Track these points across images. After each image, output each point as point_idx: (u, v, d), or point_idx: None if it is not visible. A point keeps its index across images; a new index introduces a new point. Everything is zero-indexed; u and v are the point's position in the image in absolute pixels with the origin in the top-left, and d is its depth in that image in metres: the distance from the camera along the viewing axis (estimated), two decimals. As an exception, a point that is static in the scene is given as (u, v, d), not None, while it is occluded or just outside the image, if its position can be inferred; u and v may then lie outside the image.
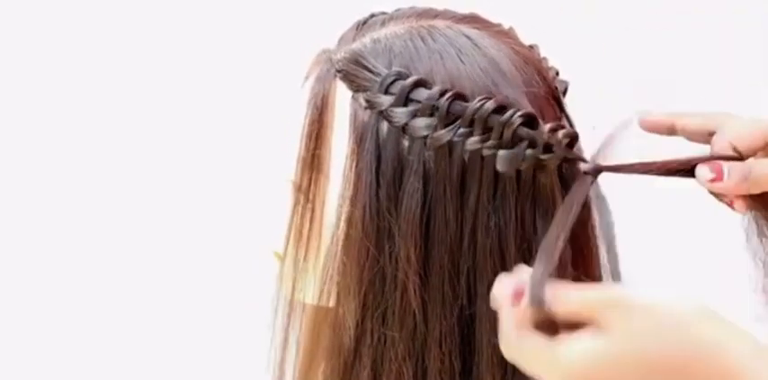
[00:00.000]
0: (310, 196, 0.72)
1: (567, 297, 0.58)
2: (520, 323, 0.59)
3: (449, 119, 0.68)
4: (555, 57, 0.78)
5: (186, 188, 1.45)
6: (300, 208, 0.73)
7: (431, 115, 0.68)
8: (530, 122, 0.68)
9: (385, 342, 0.71)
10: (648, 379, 0.56)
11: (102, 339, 1.48)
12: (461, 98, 0.68)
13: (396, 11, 0.76)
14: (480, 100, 0.68)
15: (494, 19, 0.78)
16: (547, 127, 0.68)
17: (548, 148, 0.68)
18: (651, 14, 1.44)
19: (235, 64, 1.40)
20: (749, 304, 0.76)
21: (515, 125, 0.67)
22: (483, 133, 0.68)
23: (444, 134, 0.68)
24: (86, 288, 1.48)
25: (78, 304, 1.48)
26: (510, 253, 0.69)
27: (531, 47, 0.76)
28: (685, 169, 0.71)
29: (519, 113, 0.67)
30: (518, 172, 0.68)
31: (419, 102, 0.68)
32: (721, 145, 0.72)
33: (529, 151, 0.68)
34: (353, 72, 0.71)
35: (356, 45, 0.72)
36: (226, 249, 1.40)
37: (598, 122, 0.73)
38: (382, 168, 0.69)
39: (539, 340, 0.58)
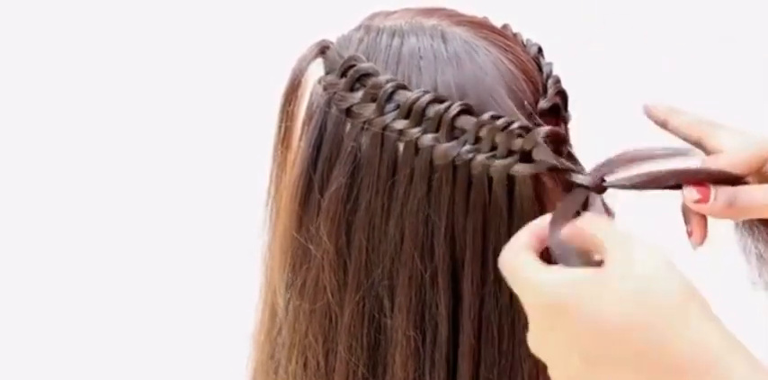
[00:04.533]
0: (282, 169, 0.75)
1: (583, 221, 0.62)
2: (522, 243, 0.62)
3: (389, 107, 0.68)
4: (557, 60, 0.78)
5: (184, 187, 1.45)
6: (274, 183, 0.75)
7: (372, 101, 0.69)
8: (468, 112, 0.67)
9: (299, 316, 0.72)
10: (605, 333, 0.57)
11: (100, 339, 1.48)
12: (404, 88, 0.68)
13: (405, 8, 0.76)
14: (420, 90, 0.68)
15: (498, 19, 0.78)
16: (486, 116, 0.67)
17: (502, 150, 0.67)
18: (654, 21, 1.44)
19: (236, 64, 1.40)
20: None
21: (451, 115, 0.67)
22: (418, 123, 0.68)
23: (379, 121, 0.68)
24: (83, 288, 1.48)
25: (75, 304, 1.48)
26: (438, 250, 0.69)
27: (537, 61, 0.75)
28: (676, 183, 0.70)
29: (457, 104, 0.67)
30: (455, 168, 0.68)
31: (365, 88, 0.69)
32: (716, 162, 0.70)
33: (467, 147, 0.67)
34: (329, 55, 0.73)
35: (346, 33, 0.74)
36: (224, 249, 1.40)
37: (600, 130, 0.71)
38: (323, 147, 0.70)
39: (534, 261, 0.61)
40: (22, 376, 1.48)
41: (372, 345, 0.71)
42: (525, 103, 0.70)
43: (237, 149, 1.39)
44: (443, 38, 0.71)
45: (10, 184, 1.48)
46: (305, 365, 0.73)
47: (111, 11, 1.43)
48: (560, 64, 0.76)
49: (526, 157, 0.67)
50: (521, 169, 0.67)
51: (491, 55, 0.70)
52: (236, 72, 1.41)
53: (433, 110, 0.67)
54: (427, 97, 0.67)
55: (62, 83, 1.45)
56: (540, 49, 0.75)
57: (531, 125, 0.68)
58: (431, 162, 0.68)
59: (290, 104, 0.74)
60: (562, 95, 0.73)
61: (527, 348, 0.67)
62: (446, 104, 0.67)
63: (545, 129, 0.67)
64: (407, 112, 0.68)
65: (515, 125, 0.67)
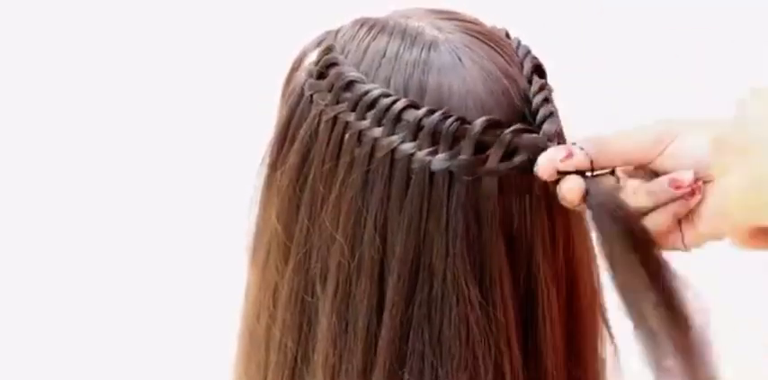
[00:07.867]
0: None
1: None
2: None
3: (343, 98, 0.70)
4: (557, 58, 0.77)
5: (184, 188, 1.45)
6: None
7: (329, 91, 0.71)
8: (414, 108, 0.68)
9: (250, 287, 0.78)
10: None
11: (100, 340, 1.48)
12: (360, 82, 0.70)
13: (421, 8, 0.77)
14: (372, 86, 0.69)
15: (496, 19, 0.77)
16: (422, 111, 0.68)
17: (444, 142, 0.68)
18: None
19: (236, 64, 1.40)
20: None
21: (397, 110, 0.68)
22: (363, 117, 0.69)
23: (330, 110, 0.71)
24: (83, 288, 1.48)
25: (75, 304, 1.48)
26: (365, 242, 0.69)
27: (522, 68, 0.73)
28: None
29: (404, 100, 0.68)
30: (393, 162, 0.69)
31: (327, 77, 0.72)
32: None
33: (408, 142, 0.68)
34: (323, 41, 0.75)
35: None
36: (224, 250, 1.40)
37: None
38: (290, 127, 0.74)
39: None
40: (21, 376, 1.48)
41: (299, 324, 0.73)
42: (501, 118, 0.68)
43: (223, 144, 1.39)
44: (414, 40, 0.71)
45: (7, 184, 1.48)
46: (250, 334, 0.78)
47: (110, 11, 1.43)
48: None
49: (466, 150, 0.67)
50: (459, 165, 0.67)
51: (474, 66, 0.70)
52: (233, 73, 1.41)
53: (381, 104, 0.68)
54: (377, 92, 0.69)
55: (45, 79, 1.44)
56: (536, 67, 0.73)
57: (468, 118, 0.67)
58: (371, 154, 0.69)
59: (288, 85, 0.77)
60: (547, 111, 0.70)
61: (456, 355, 0.69)
62: (392, 99, 0.68)
63: (481, 120, 0.67)
64: (355, 104, 0.69)
65: (452, 118, 0.67)
